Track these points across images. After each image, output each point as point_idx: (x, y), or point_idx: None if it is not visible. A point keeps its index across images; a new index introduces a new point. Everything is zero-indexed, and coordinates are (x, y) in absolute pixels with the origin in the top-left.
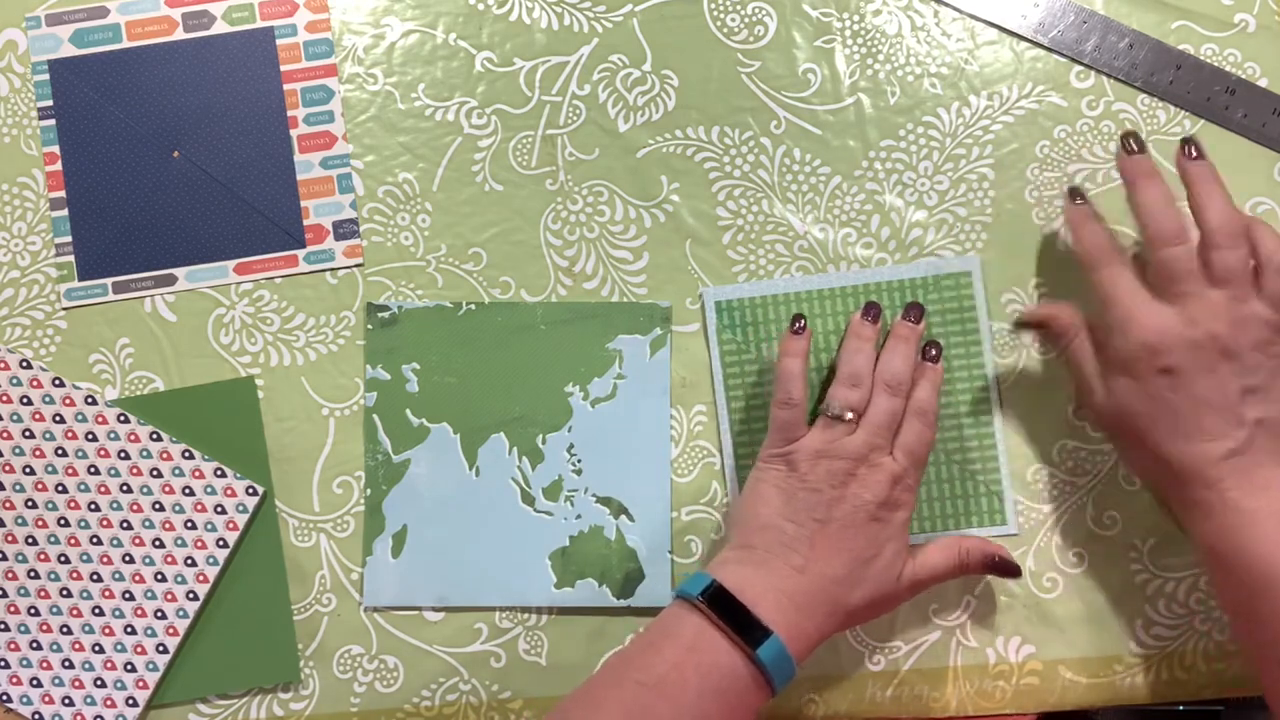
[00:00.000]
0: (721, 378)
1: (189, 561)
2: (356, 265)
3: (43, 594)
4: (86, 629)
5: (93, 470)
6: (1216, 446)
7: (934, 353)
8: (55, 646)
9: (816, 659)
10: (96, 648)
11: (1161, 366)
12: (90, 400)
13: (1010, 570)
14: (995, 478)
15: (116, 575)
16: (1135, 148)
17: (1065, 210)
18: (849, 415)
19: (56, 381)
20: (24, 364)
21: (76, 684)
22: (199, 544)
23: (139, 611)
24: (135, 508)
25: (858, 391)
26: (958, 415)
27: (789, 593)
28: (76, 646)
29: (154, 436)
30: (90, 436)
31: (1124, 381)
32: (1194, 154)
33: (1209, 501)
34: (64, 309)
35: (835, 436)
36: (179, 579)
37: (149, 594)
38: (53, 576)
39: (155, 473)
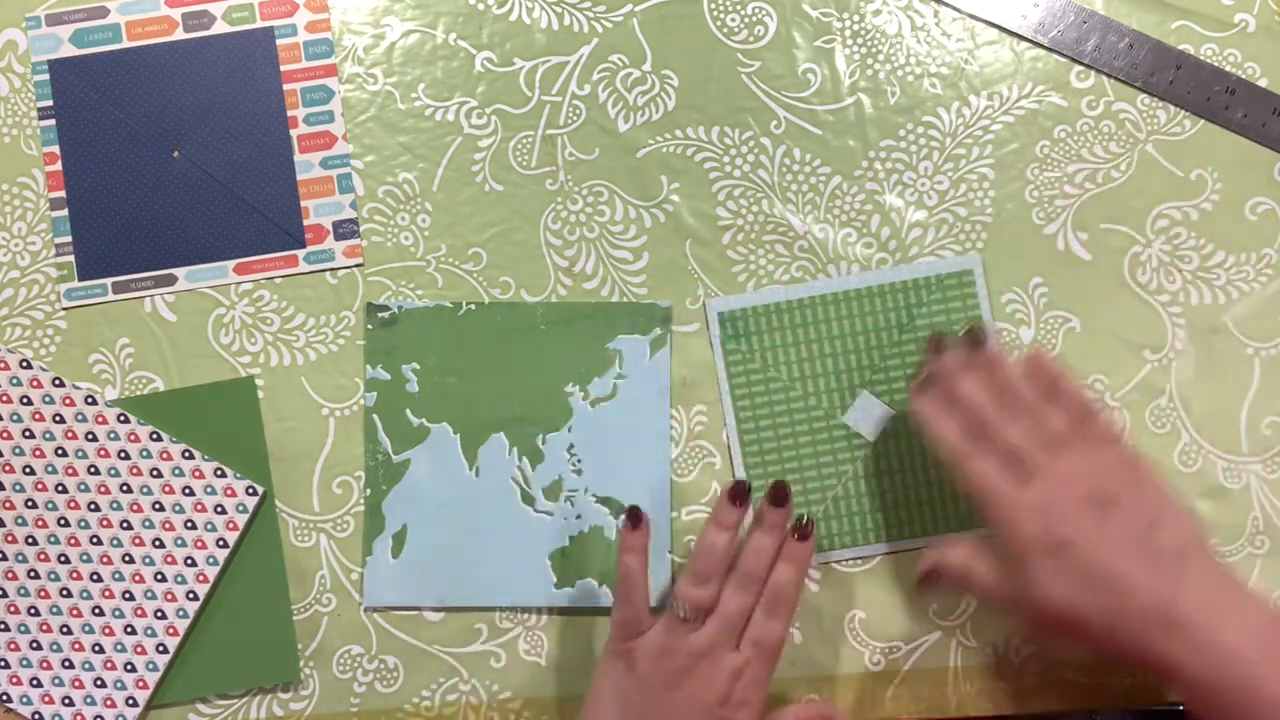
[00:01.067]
0: (728, 389)
1: (189, 561)
2: (356, 265)
3: (43, 594)
4: (86, 629)
5: (93, 470)
6: (1144, 598)
7: (808, 529)
8: (55, 646)
9: (817, 659)
10: (96, 648)
11: (1059, 539)
12: (90, 400)
13: None
14: None
15: (116, 575)
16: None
17: (912, 402)
18: (693, 614)
19: (56, 381)
20: (24, 364)
21: (76, 684)
22: (199, 544)
23: (139, 611)
24: (135, 508)
25: (706, 589)
26: None
27: None
28: (76, 646)
29: (154, 436)
30: (90, 436)
31: (1038, 566)
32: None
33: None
34: (64, 309)
35: (679, 634)
36: (179, 579)
37: (149, 594)
38: (53, 576)
39: (155, 473)
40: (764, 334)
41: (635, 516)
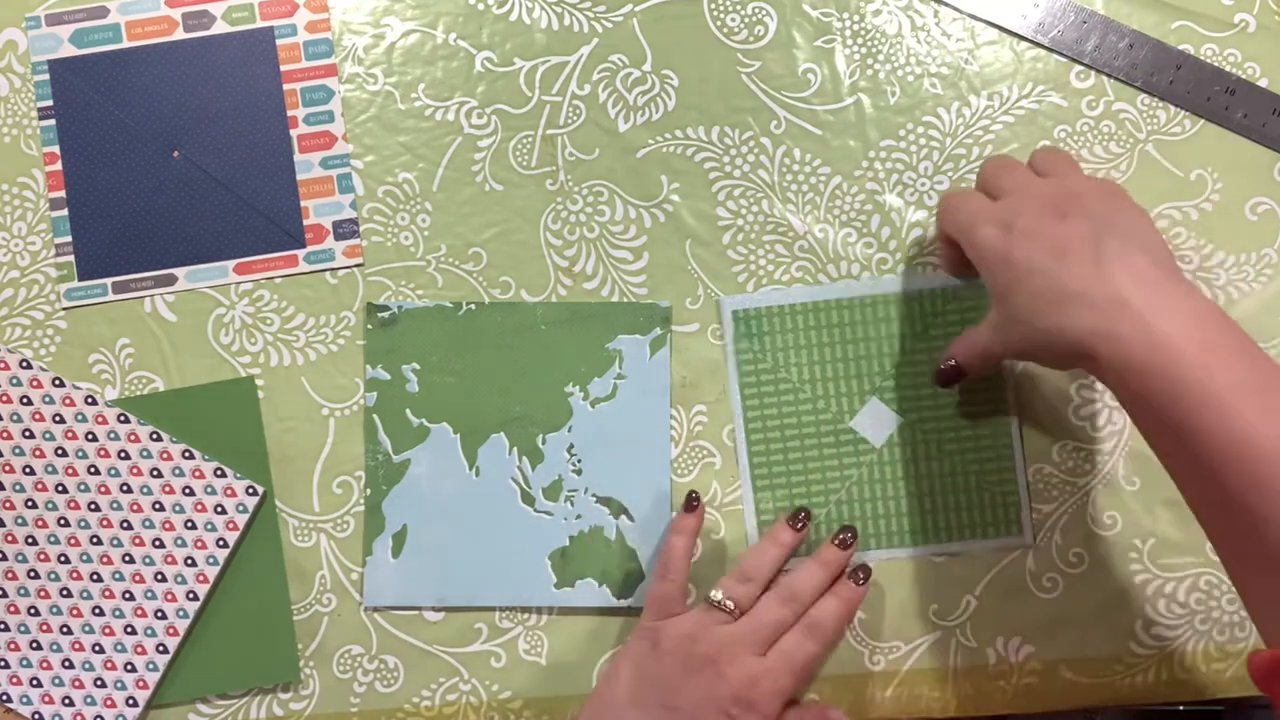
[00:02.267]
0: (738, 387)
1: (189, 561)
2: (356, 265)
3: (43, 594)
4: (86, 629)
5: (93, 470)
6: (1080, 317)
7: (862, 577)
8: (55, 646)
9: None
10: (96, 648)
11: (1016, 232)
12: (90, 400)
13: None
14: (1012, 489)
15: (116, 575)
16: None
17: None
18: (729, 605)
19: (56, 381)
20: (24, 364)
21: (76, 684)
22: (199, 544)
23: (139, 611)
24: (135, 508)
25: (745, 587)
26: (975, 425)
27: None
28: (76, 646)
29: (154, 436)
30: (90, 436)
31: (997, 269)
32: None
33: (1110, 359)
34: (64, 309)
35: (709, 622)
36: (179, 579)
37: (149, 594)
38: (53, 576)
39: (155, 473)
40: (777, 334)
41: (694, 502)
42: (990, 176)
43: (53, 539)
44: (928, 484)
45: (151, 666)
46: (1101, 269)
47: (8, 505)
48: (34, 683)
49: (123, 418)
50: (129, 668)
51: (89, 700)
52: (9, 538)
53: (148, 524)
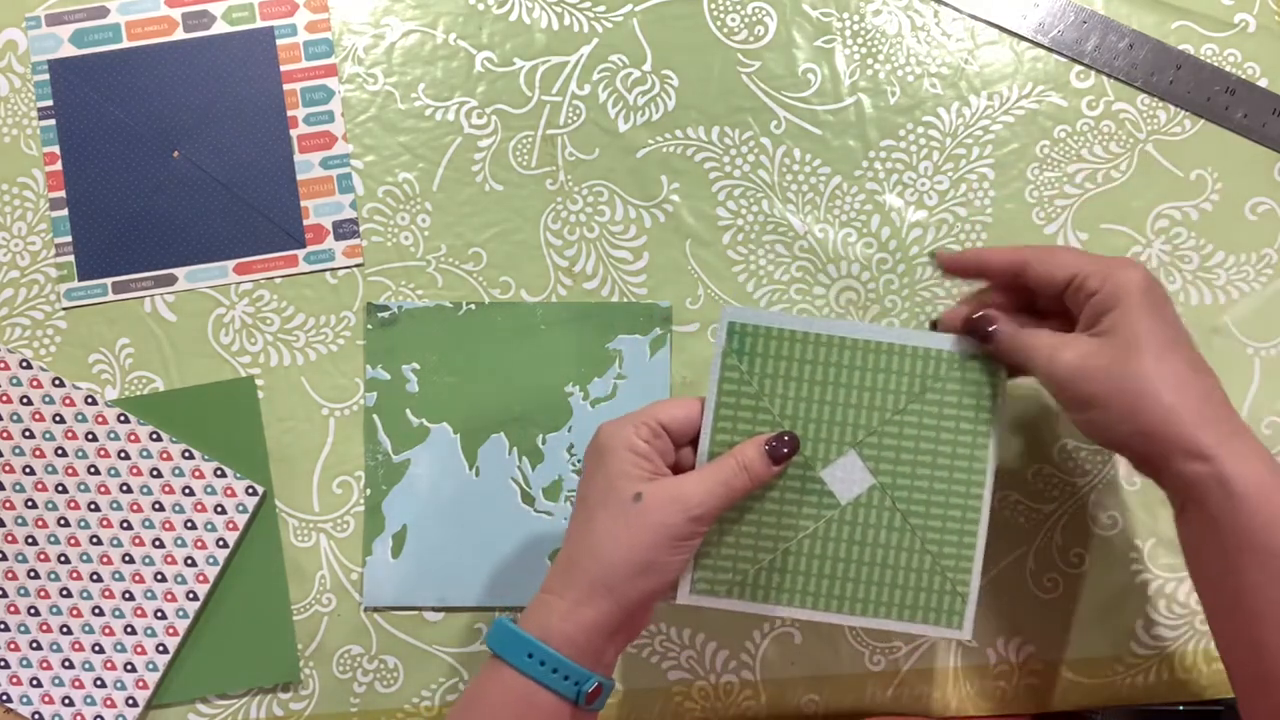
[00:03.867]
0: (714, 404)
1: (189, 561)
2: (356, 265)
3: (43, 594)
4: (86, 629)
5: (93, 470)
6: (1189, 436)
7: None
8: (55, 646)
9: (816, 659)
10: (96, 648)
11: (1169, 316)
12: (90, 400)
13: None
14: (965, 578)
15: (116, 575)
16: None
17: (989, 335)
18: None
19: (56, 381)
20: (24, 364)
21: (76, 684)
22: (199, 544)
23: (139, 611)
24: (135, 508)
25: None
26: (945, 504)
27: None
28: (76, 646)
29: (154, 436)
30: (90, 436)
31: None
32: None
33: (1204, 476)
34: (64, 309)
35: None
36: (179, 579)
37: (149, 594)
38: (53, 576)
39: (155, 473)
40: (769, 359)
41: (783, 454)
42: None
43: (53, 539)
44: (882, 554)
45: (151, 666)
46: (1227, 407)
47: (8, 505)
48: (34, 683)
49: (123, 418)
50: (129, 668)
51: (89, 700)
52: (9, 538)
53: (148, 524)
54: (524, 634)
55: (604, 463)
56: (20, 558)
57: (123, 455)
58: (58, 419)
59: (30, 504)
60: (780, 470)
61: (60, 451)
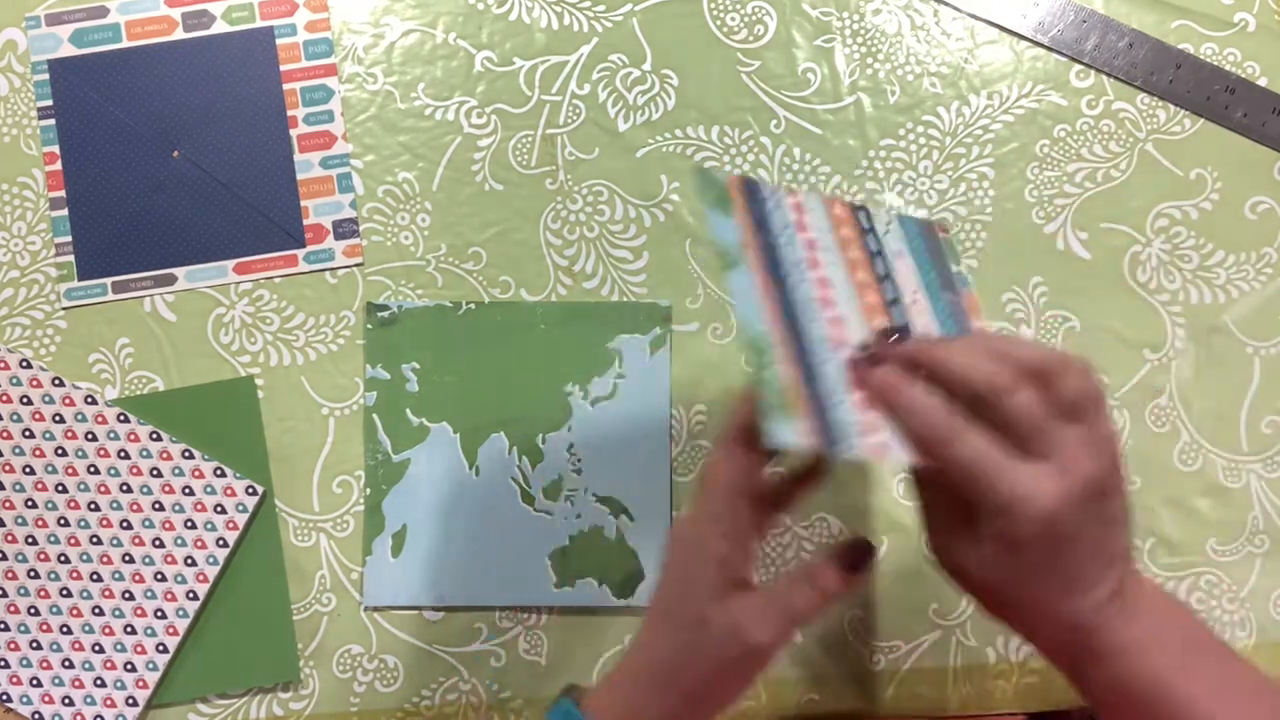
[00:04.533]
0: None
1: (189, 561)
2: (356, 265)
3: (43, 594)
4: (86, 629)
5: (93, 470)
6: (1098, 594)
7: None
8: (55, 646)
9: (817, 659)
10: (96, 648)
11: (1051, 536)
12: (90, 400)
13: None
14: None
15: (116, 575)
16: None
17: (869, 378)
18: None
19: (56, 381)
20: (24, 364)
21: (76, 684)
22: (199, 544)
23: (139, 611)
24: (135, 507)
25: None
26: None
27: None
28: (76, 646)
29: (154, 436)
30: (90, 436)
31: (1001, 554)
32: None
33: (1094, 648)
34: (64, 309)
35: None
36: (179, 579)
37: (149, 594)
38: (53, 576)
39: (155, 472)
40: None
41: (860, 558)
42: (981, 381)
43: (53, 539)
44: None
45: (151, 666)
46: (1127, 550)
47: (8, 505)
48: (34, 683)
49: (123, 417)
50: (129, 667)
51: (89, 700)
52: (9, 538)
53: (148, 524)
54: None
55: (679, 555)
56: (20, 558)
57: (123, 455)
58: (58, 419)
59: (30, 504)
60: (859, 581)
61: (60, 451)
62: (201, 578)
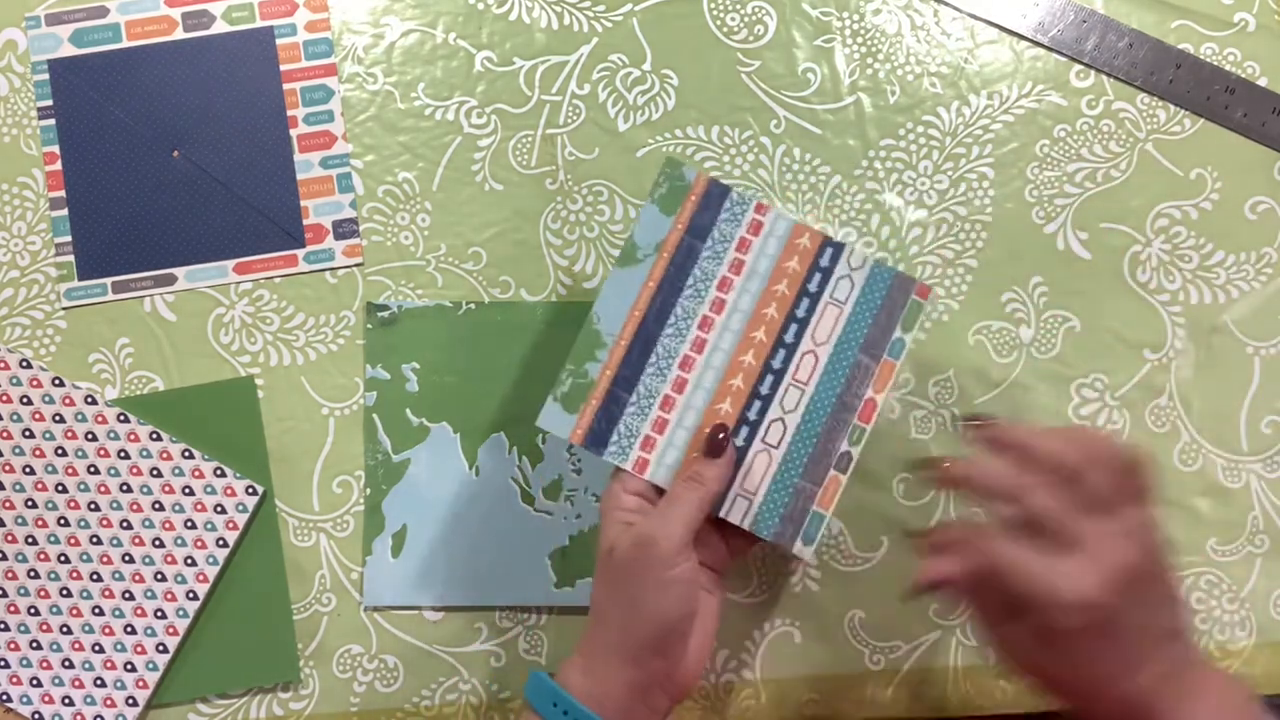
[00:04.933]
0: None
1: (189, 561)
2: (356, 265)
3: (43, 594)
4: (86, 629)
5: (93, 470)
6: (1149, 673)
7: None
8: (55, 646)
9: (817, 659)
10: (96, 648)
11: (1095, 623)
12: (90, 400)
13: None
14: None
15: (116, 575)
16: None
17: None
18: None
19: (56, 381)
20: (24, 364)
21: (76, 684)
22: (199, 544)
23: (139, 611)
24: (135, 507)
25: None
26: None
27: None
28: (76, 646)
29: (154, 436)
30: (90, 436)
31: (1046, 644)
32: (977, 424)
33: None
34: (64, 309)
35: None
36: (179, 579)
37: (149, 594)
38: (53, 576)
39: (155, 472)
40: None
41: (718, 445)
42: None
43: (53, 539)
44: None
45: (151, 666)
46: (1179, 631)
47: (8, 505)
48: (34, 683)
49: (123, 417)
50: (129, 667)
51: (89, 700)
52: (9, 538)
53: (148, 524)
54: (552, 684)
55: (600, 529)
56: (20, 558)
57: (123, 455)
58: (58, 419)
59: (30, 504)
60: (729, 461)
61: (60, 451)
62: (201, 578)
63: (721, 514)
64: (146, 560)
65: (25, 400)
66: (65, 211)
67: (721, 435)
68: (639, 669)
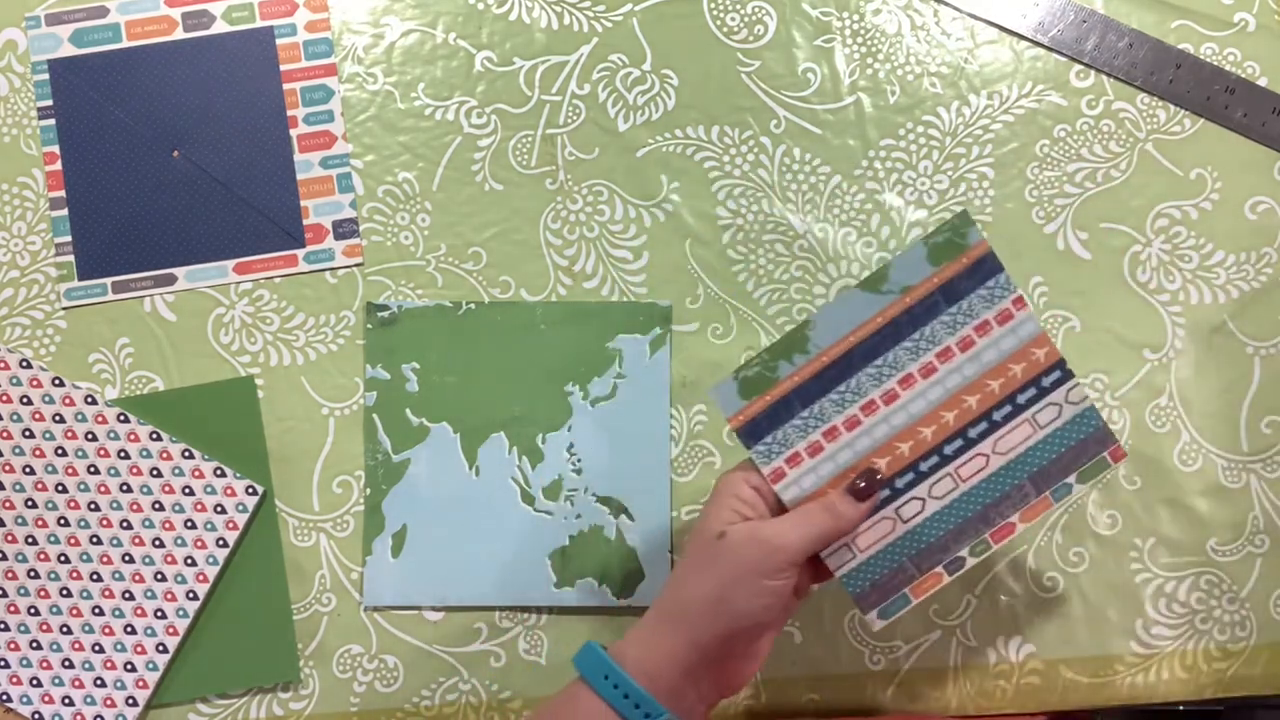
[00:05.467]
0: None
1: (189, 561)
2: (356, 265)
3: (43, 594)
4: (86, 629)
5: (93, 470)
6: None
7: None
8: (55, 646)
9: (817, 659)
10: (96, 648)
11: None
12: (90, 400)
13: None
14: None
15: (116, 575)
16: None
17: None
18: None
19: (56, 381)
20: (24, 364)
21: (76, 684)
22: (199, 544)
23: (139, 611)
24: (135, 507)
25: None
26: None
27: None
28: (76, 646)
29: (154, 436)
30: (90, 436)
31: None
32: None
33: None
34: (64, 309)
35: None
36: (179, 579)
37: (149, 594)
38: (53, 576)
39: (155, 472)
40: None
41: (867, 489)
42: None
43: (53, 539)
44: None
45: (151, 666)
46: None
47: (8, 505)
48: (34, 683)
49: (123, 417)
50: (129, 667)
51: (89, 700)
52: (9, 538)
53: (148, 524)
54: (604, 655)
55: (707, 505)
56: (20, 558)
57: (123, 455)
58: (58, 419)
59: (30, 504)
60: (868, 509)
61: (60, 451)
62: (201, 578)
63: (822, 554)
64: (146, 560)
65: (25, 400)
66: (65, 211)
67: (870, 482)
68: (701, 655)
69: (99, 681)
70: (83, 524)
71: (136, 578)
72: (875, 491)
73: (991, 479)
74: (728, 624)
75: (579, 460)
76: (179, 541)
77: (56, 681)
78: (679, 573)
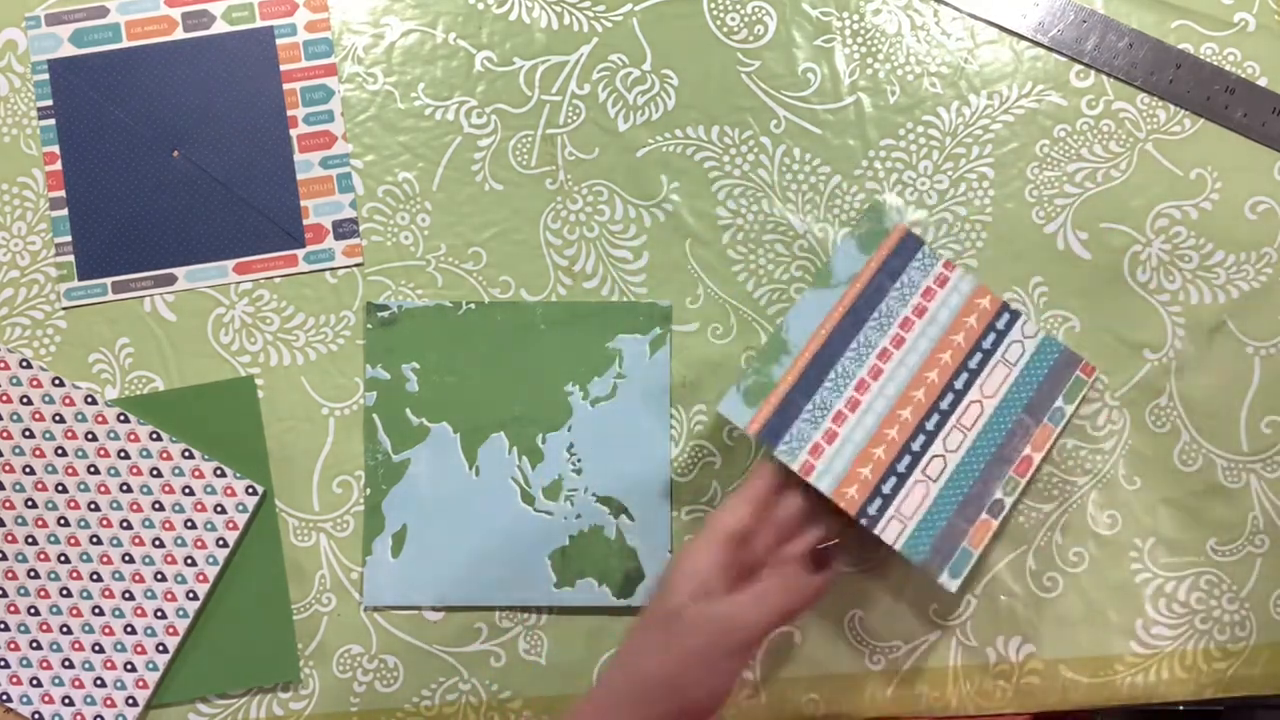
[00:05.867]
0: None
1: (189, 561)
2: (356, 265)
3: (43, 594)
4: (86, 629)
5: (93, 470)
6: None
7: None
8: (55, 646)
9: (817, 659)
10: (96, 648)
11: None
12: (90, 400)
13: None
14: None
15: (116, 575)
16: None
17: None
18: None
19: (56, 381)
20: (24, 364)
21: (76, 684)
22: (199, 544)
23: (139, 611)
24: (135, 507)
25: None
26: None
27: None
28: (76, 646)
29: (154, 436)
30: (90, 436)
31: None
32: None
33: None
34: (64, 309)
35: None
36: (179, 579)
37: (149, 594)
38: (53, 576)
39: (155, 472)
40: None
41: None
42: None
43: (53, 539)
44: None
45: (151, 666)
46: None
47: (8, 505)
48: (34, 682)
49: (123, 418)
50: (129, 667)
51: (89, 700)
52: (9, 538)
53: (148, 524)
54: None
55: (665, 579)
56: (20, 558)
57: (123, 455)
58: (58, 419)
59: (30, 504)
60: (828, 578)
61: (60, 451)
62: (201, 578)
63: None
64: (146, 560)
65: (25, 400)
66: (65, 211)
67: (827, 551)
68: None
69: (99, 681)
70: (83, 524)
71: (136, 578)
72: (831, 561)
73: (992, 421)
74: (680, 704)
75: (579, 460)
76: (179, 541)
77: (56, 681)
78: (634, 646)
